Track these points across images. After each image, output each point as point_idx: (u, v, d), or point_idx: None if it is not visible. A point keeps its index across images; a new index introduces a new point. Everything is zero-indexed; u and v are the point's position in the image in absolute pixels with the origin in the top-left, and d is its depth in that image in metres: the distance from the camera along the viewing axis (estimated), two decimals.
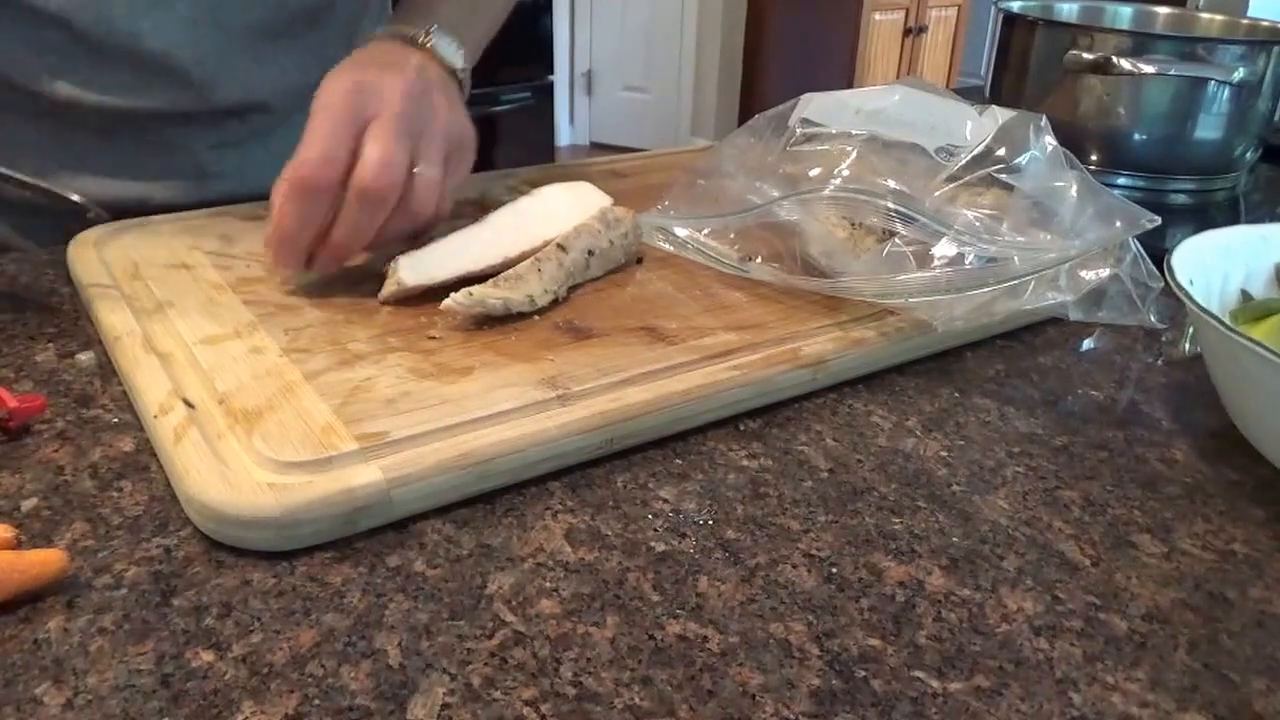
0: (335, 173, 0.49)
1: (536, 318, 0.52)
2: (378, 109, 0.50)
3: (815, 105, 0.63)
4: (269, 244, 0.51)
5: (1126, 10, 1.01)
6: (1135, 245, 0.55)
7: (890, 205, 0.54)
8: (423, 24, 0.59)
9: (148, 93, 0.66)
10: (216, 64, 0.69)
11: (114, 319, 0.50)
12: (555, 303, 0.53)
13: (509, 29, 0.75)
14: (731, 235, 0.59)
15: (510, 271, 0.52)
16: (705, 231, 0.60)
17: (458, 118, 0.55)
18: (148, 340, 0.48)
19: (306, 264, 0.52)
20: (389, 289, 0.53)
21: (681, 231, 0.61)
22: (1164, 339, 0.59)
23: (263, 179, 0.53)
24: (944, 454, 0.46)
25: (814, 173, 0.58)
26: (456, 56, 0.60)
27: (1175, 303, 0.48)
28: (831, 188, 0.56)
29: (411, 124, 0.51)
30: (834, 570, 0.38)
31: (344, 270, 0.57)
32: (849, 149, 0.58)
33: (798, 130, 0.61)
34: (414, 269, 0.53)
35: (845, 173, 0.57)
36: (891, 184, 0.55)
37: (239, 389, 0.44)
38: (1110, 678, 0.34)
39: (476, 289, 0.50)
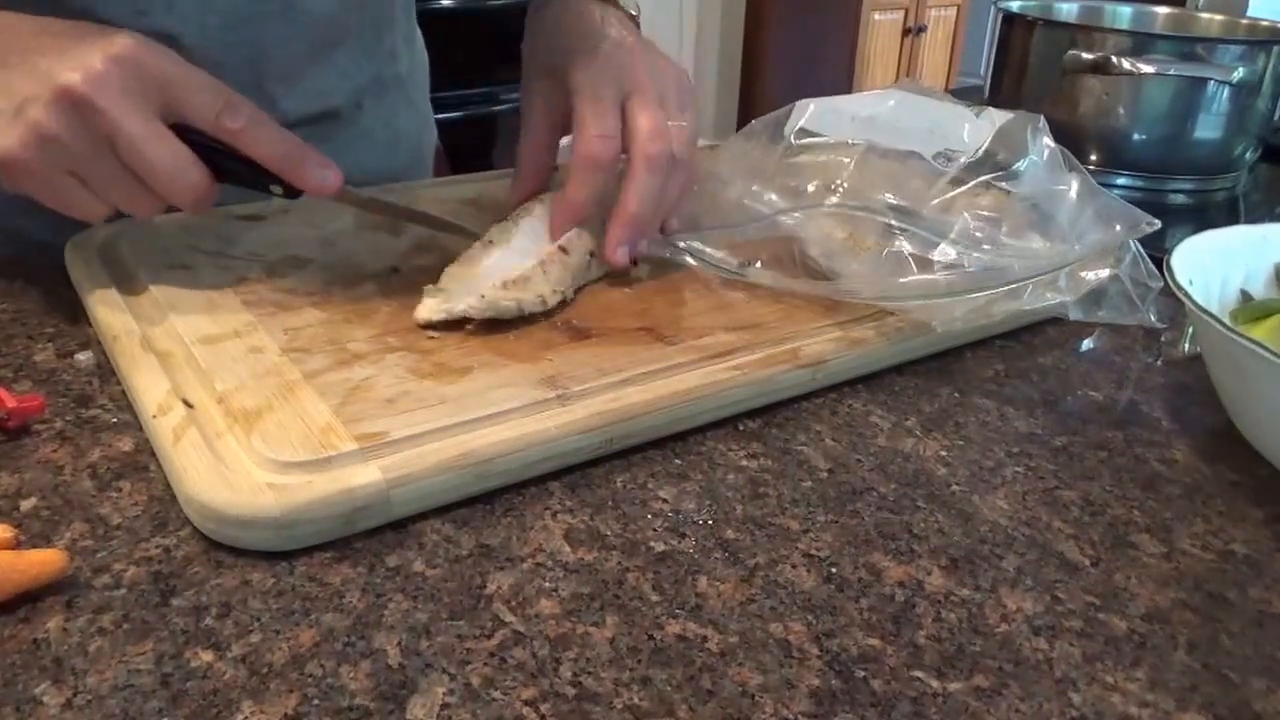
0: (616, 147, 0.55)
1: (535, 318, 0.52)
2: (629, 86, 0.56)
3: (811, 113, 0.63)
4: (562, 219, 0.55)
5: (1126, 10, 1.01)
6: (1135, 245, 0.55)
7: (889, 220, 0.54)
8: None
9: None
10: (296, 73, 0.71)
11: (113, 319, 0.50)
12: (564, 303, 0.53)
13: (509, 29, 0.75)
14: (729, 240, 0.59)
15: (516, 275, 0.52)
16: (703, 241, 0.60)
17: (671, 66, 0.61)
18: (146, 340, 0.48)
19: (608, 253, 0.55)
20: (435, 314, 0.50)
21: (678, 239, 0.60)
22: (1164, 339, 0.59)
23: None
24: (943, 454, 0.46)
25: (812, 186, 0.58)
26: (631, 3, 0.65)
27: (1175, 303, 0.48)
28: (830, 203, 0.56)
29: (657, 90, 0.57)
30: (833, 570, 0.38)
31: (343, 270, 0.57)
32: (846, 160, 0.58)
33: (794, 141, 0.61)
34: (465, 297, 0.50)
35: (844, 186, 0.57)
36: (890, 199, 0.55)
37: (238, 389, 0.44)
38: (1110, 678, 0.34)
39: (488, 292, 0.50)
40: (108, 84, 0.45)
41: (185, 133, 0.49)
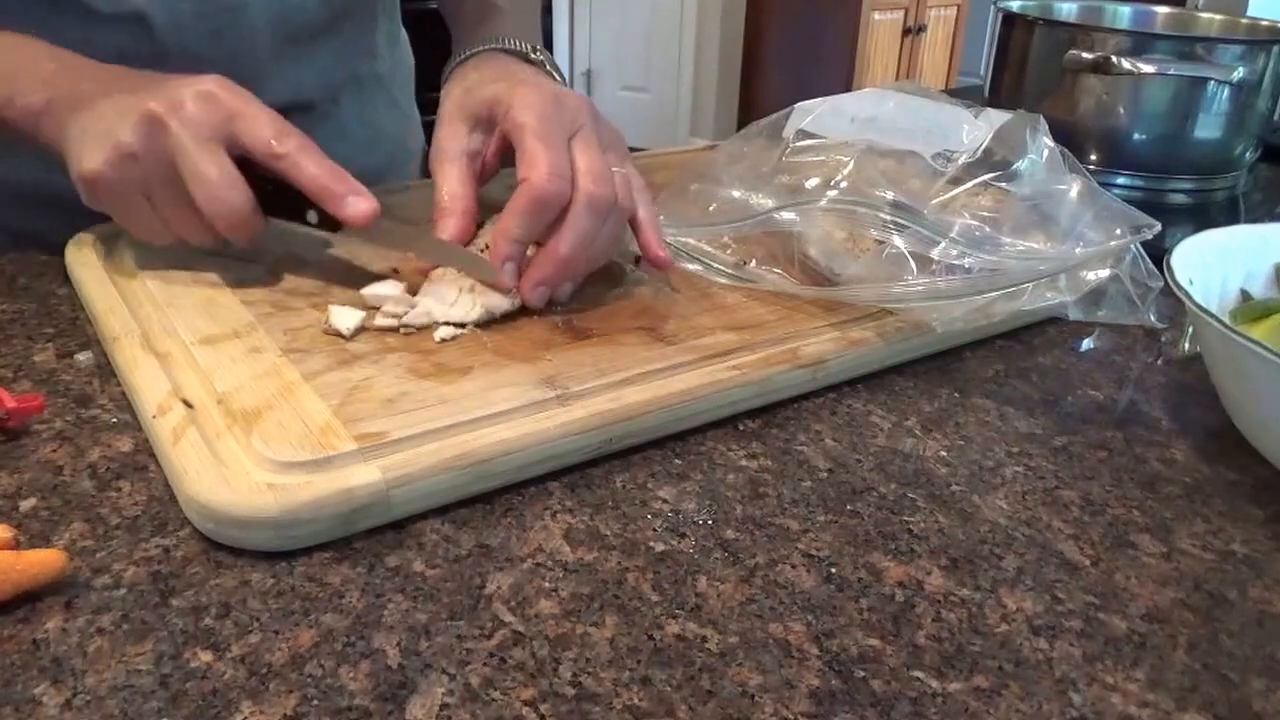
0: (568, 186, 0.52)
1: (535, 317, 0.52)
2: (575, 124, 0.55)
3: (811, 116, 0.62)
4: (500, 257, 0.51)
5: (1126, 10, 1.01)
6: (1135, 245, 0.55)
7: (888, 216, 0.54)
8: (519, 39, 0.66)
9: None
10: (269, 65, 0.71)
11: (112, 319, 0.50)
12: (559, 304, 0.53)
13: None
14: (725, 239, 0.59)
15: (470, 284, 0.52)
16: (699, 238, 0.60)
17: (611, 124, 0.59)
18: (146, 340, 0.48)
19: (525, 292, 0.52)
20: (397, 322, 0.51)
21: (674, 238, 0.60)
22: (1164, 339, 0.59)
23: None
24: (943, 454, 0.46)
25: (811, 183, 0.58)
26: (556, 70, 0.65)
27: (1175, 302, 0.48)
28: (829, 198, 0.56)
29: (600, 135, 0.56)
30: (833, 570, 0.38)
31: (343, 271, 0.57)
32: (845, 159, 0.58)
33: (793, 143, 0.61)
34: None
35: (843, 183, 0.57)
36: (890, 195, 0.55)
37: (238, 389, 0.44)
38: (1110, 678, 0.34)
39: (460, 301, 0.51)
40: (183, 110, 0.49)
41: (243, 171, 0.51)
